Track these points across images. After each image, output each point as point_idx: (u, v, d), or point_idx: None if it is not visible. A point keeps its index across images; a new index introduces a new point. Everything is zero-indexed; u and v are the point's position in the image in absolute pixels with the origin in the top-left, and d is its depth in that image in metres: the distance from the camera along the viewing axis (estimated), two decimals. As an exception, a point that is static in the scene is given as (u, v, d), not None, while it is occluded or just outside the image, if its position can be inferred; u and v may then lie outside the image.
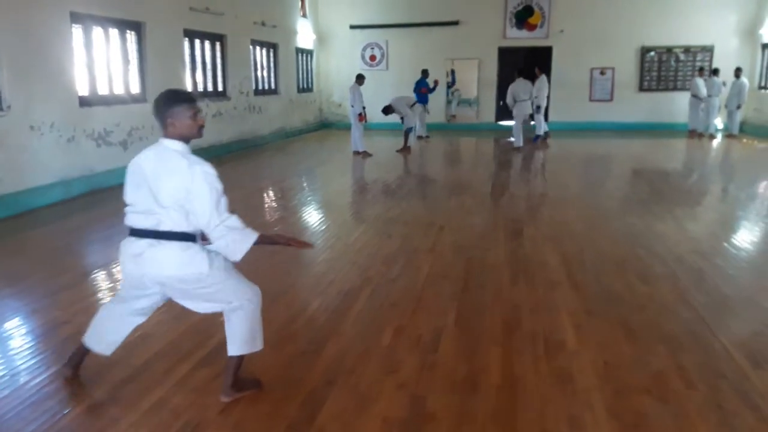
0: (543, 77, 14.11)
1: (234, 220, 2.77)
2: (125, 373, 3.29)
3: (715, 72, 15.21)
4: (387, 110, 13.19)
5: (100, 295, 4.62)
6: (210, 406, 2.95)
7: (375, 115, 14.51)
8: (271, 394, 3.06)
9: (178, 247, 2.76)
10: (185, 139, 2.82)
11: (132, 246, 2.83)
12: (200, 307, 2.98)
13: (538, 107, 13.99)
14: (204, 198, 2.69)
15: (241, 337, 2.94)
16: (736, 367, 3.29)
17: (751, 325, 3.91)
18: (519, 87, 13.27)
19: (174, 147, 2.79)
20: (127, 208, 2.88)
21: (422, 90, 14.80)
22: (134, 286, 2.99)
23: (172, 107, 2.77)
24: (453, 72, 20.02)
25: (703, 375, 3.21)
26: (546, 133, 14.70)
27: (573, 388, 3.08)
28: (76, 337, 3.74)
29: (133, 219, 2.83)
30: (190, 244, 2.79)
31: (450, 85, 19.81)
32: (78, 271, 5.19)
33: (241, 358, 2.98)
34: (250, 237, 2.80)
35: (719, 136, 15.30)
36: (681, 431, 2.71)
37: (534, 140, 14.30)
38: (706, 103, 15.18)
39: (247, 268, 5.04)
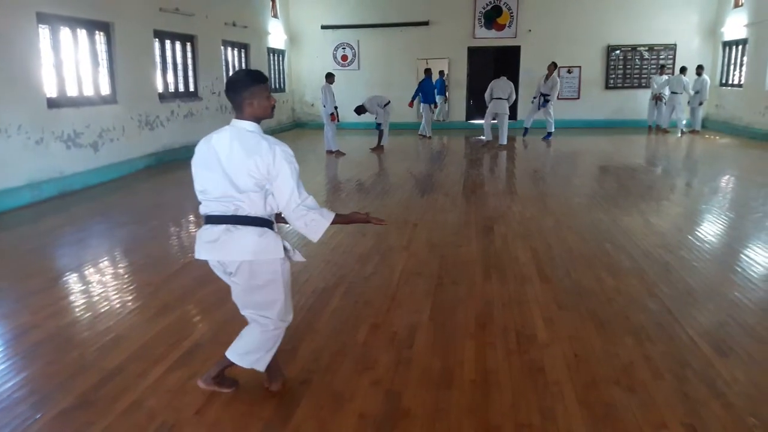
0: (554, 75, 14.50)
1: (312, 200, 2.76)
2: (98, 376, 3.27)
3: (683, 70, 15.50)
4: (360, 110, 13.22)
5: (71, 298, 4.57)
6: (186, 407, 2.95)
7: (347, 115, 14.56)
8: (247, 394, 3.07)
9: (254, 233, 2.72)
10: (258, 120, 2.78)
11: (207, 232, 2.77)
12: (250, 305, 2.92)
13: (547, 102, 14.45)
14: (286, 177, 2.67)
15: (249, 349, 2.93)
16: (702, 356, 3.39)
17: (716, 315, 4.02)
18: (499, 85, 13.50)
19: (249, 128, 2.74)
20: (200, 196, 2.81)
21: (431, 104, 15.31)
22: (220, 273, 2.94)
23: (252, 87, 2.72)
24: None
25: (670, 365, 3.30)
26: (526, 129, 14.99)
27: (545, 381, 3.15)
28: (47, 342, 3.73)
29: (209, 206, 2.77)
30: (266, 229, 2.76)
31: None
32: (48, 275, 5.12)
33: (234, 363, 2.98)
34: (328, 216, 2.79)
35: (680, 133, 15.59)
36: (649, 420, 2.78)
37: (546, 137, 14.62)
38: (671, 100, 15.47)
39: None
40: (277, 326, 2.94)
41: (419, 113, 16.46)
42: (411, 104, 15.54)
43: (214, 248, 2.76)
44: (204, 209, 2.80)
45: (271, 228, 2.80)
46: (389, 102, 13.35)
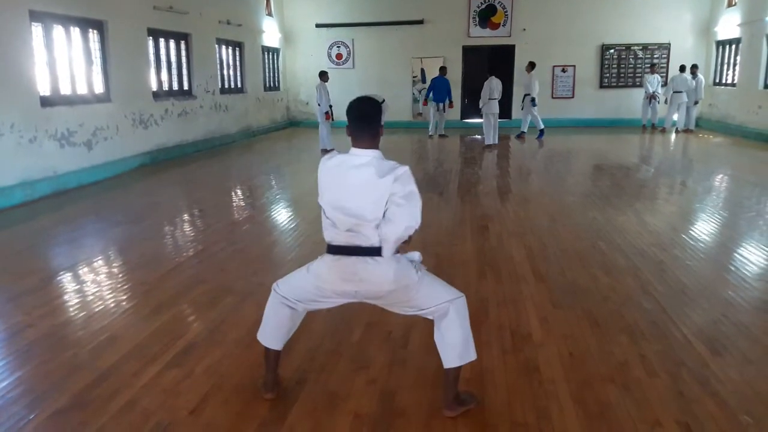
0: (532, 73, 14.51)
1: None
2: (92, 376, 3.25)
3: (683, 69, 15.48)
4: None
5: (65, 297, 4.55)
6: (180, 407, 2.94)
7: (342, 113, 14.50)
8: (242, 393, 3.07)
9: (393, 260, 2.67)
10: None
11: (341, 264, 2.70)
12: (429, 302, 2.82)
13: (533, 100, 14.37)
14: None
15: (454, 347, 2.81)
16: (696, 355, 3.40)
17: (710, 313, 4.03)
18: (494, 85, 13.49)
19: (378, 156, 2.68)
20: (331, 222, 2.70)
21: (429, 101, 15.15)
22: (325, 296, 2.87)
23: (381, 115, 2.73)
24: (423, 71, 20.11)
25: (665, 363, 3.31)
26: (522, 132, 14.97)
27: (540, 379, 3.16)
28: (41, 342, 3.71)
29: (338, 236, 2.68)
30: (398, 255, 2.72)
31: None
32: (42, 273, 5.09)
33: (459, 368, 2.84)
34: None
35: (675, 132, 15.60)
36: (644, 418, 2.79)
37: (539, 137, 14.66)
38: (675, 99, 15.37)
39: (214, 266, 5.02)
40: (461, 297, 2.84)
41: (415, 113, 16.40)
42: (425, 103, 15.48)
43: (353, 280, 2.70)
44: (332, 238, 2.71)
45: (397, 252, 2.74)
46: (384, 101, 13.24)
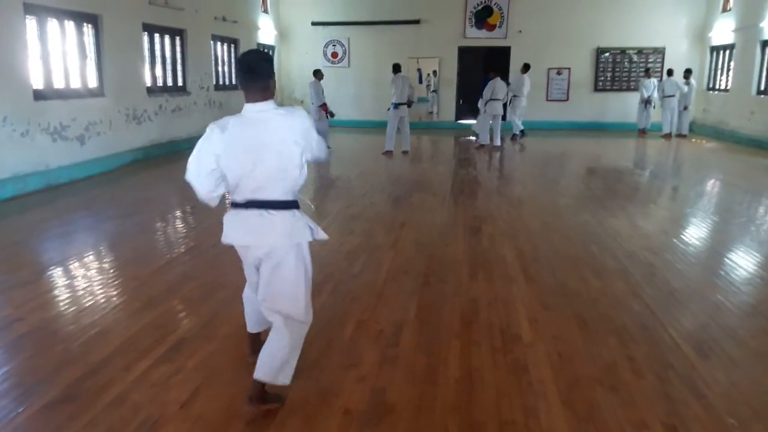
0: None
1: None
2: (82, 370, 3.25)
3: (670, 73, 15.53)
4: (396, 67, 12.46)
5: (56, 292, 4.54)
6: (170, 402, 2.95)
7: (339, 112, 14.54)
8: (232, 388, 3.07)
9: (290, 215, 2.72)
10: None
11: (240, 217, 2.75)
12: (277, 301, 2.83)
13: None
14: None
15: (272, 363, 2.80)
16: (684, 358, 3.43)
17: (698, 317, 4.07)
18: (499, 86, 13.49)
19: (271, 107, 2.68)
20: (227, 188, 2.76)
21: None
22: (246, 263, 3.03)
23: (272, 67, 2.70)
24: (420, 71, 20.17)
25: (652, 365, 3.34)
26: (521, 132, 15.15)
27: (528, 379, 3.18)
28: (31, 335, 3.71)
29: (239, 194, 2.72)
30: (296, 211, 2.77)
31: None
32: (33, 268, 5.08)
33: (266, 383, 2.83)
34: None
35: (669, 136, 15.65)
36: (631, 420, 2.81)
37: (519, 136, 14.94)
38: (668, 103, 15.41)
39: (206, 262, 5.02)
40: (308, 323, 2.89)
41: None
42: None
43: (251, 233, 2.73)
44: (234, 196, 2.75)
45: (299, 209, 2.79)
46: (407, 104, 12.20)
